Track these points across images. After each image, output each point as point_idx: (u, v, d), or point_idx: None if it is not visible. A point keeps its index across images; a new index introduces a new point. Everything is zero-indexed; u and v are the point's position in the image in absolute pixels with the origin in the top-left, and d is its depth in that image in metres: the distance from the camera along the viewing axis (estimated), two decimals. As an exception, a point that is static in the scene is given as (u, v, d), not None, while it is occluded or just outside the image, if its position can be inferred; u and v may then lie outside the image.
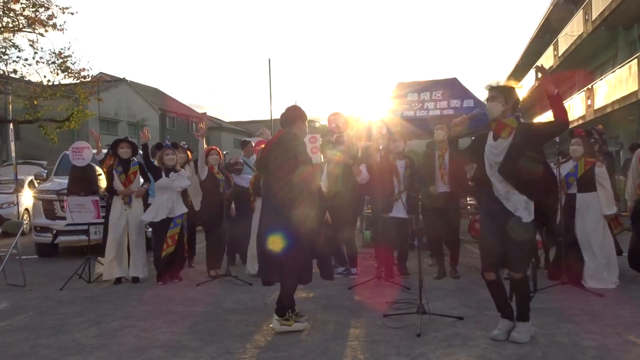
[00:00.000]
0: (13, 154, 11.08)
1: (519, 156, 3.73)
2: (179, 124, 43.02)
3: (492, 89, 3.88)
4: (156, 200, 6.37)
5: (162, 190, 6.33)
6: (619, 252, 6.09)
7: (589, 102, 17.52)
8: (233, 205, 7.13)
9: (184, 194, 6.61)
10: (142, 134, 6.59)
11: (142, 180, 6.67)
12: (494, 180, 3.84)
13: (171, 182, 6.32)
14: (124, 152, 6.52)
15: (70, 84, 17.54)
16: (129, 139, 6.88)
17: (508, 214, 3.78)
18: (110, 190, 6.54)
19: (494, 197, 3.85)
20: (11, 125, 11.43)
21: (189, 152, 7.18)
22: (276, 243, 4.15)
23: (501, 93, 3.84)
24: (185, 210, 6.47)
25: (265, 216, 4.34)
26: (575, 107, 19.15)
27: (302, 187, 4.23)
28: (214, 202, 6.58)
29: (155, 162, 6.48)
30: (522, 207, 3.76)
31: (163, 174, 6.33)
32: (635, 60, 14.42)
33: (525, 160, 3.71)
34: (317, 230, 4.32)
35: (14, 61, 16.31)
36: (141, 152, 6.98)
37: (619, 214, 6.22)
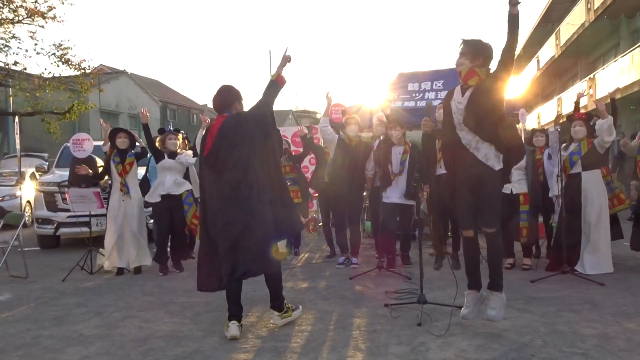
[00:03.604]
0: (18, 146, 11.09)
1: (480, 103, 3.74)
2: (179, 116, 42.96)
3: (463, 43, 3.83)
4: (158, 181, 6.44)
5: (164, 170, 6.42)
6: (621, 236, 6.11)
7: (591, 91, 17.44)
8: None
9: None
10: (141, 114, 6.50)
11: (136, 171, 6.68)
12: (463, 134, 3.84)
13: (174, 161, 6.42)
14: (121, 142, 6.54)
15: (71, 76, 17.55)
16: (128, 130, 6.89)
17: (480, 165, 3.79)
18: (101, 175, 6.68)
19: (466, 151, 3.84)
20: (16, 118, 11.44)
21: (186, 140, 7.21)
22: (263, 230, 3.87)
23: (469, 48, 3.78)
24: (190, 187, 6.58)
25: (231, 208, 3.85)
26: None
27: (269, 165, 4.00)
28: None
29: (157, 146, 6.53)
30: (492, 155, 3.79)
31: (165, 156, 6.42)
32: (638, 49, 14.34)
33: (487, 107, 3.73)
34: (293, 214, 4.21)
35: (14, 53, 16.34)
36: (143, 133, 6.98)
37: (622, 192, 6.24)
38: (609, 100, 6.33)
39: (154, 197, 6.41)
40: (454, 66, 3.92)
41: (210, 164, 3.98)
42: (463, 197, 3.93)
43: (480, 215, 3.87)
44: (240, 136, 3.92)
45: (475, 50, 3.78)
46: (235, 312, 3.96)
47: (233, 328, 3.88)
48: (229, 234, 3.86)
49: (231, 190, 3.88)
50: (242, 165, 3.90)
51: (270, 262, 3.95)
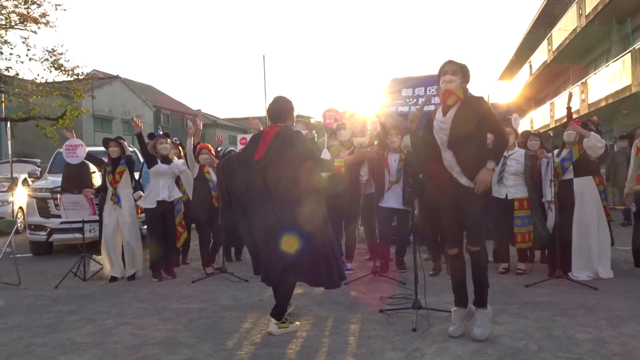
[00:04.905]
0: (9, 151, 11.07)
1: (462, 131, 3.76)
2: (173, 121, 42.91)
3: (453, 63, 3.90)
4: (151, 187, 6.41)
5: (157, 176, 6.41)
6: (612, 242, 6.13)
7: (583, 96, 17.54)
8: None
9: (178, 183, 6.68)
10: (134, 123, 6.48)
11: (130, 179, 6.65)
12: (446, 155, 3.85)
13: (167, 167, 6.43)
14: (111, 151, 6.56)
15: (64, 82, 17.48)
16: (120, 137, 6.88)
17: (462, 188, 3.81)
18: (103, 188, 6.63)
19: (448, 174, 3.85)
20: (8, 124, 11.41)
21: (180, 148, 7.18)
22: (288, 242, 4.00)
23: (461, 70, 3.89)
24: (180, 194, 6.61)
25: (268, 214, 4.08)
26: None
27: (311, 185, 4.18)
28: (205, 200, 6.58)
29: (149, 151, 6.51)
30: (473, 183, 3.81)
31: (158, 161, 6.41)
32: (629, 54, 14.43)
33: (468, 137, 3.75)
34: (326, 229, 4.25)
35: (6, 59, 16.25)
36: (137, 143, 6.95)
37: (607, 205, 6.27)
38: (602, 104, 6.37)
39: (148, 202, 6.39)
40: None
41: (261, 168, 4.14)
42: (446, 215, 3.95)
43: (466, 232, 3.88)
44: (287, 148, 4.12)
45: (464, 72, 3.90)
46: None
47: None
48: (269, 234, 4.04)
49: (273, 191, 4.06)
50: (286, 170, 4.08)
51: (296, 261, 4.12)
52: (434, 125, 3.93)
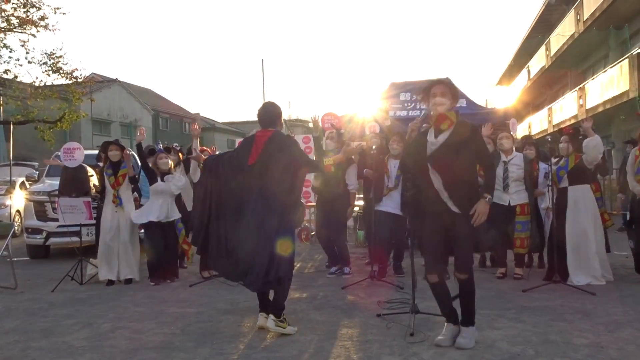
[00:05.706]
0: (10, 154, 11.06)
1: (452, 154, 3.71)
2: (172, 125, 42.90)
3: (441, 83, 3.87)
4: (150, 204, 6.37)
5: (157, 194, 6.34)
6: (608, 250, 6.13)
7: (581, 101, 17.58)
8: None
9: (177, 197, 6.61)
10: (138, 133, 6.50)
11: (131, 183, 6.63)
12: (434, 178, 3.77)
13: (166, 185, 6.33)
14: (112, 154, 6.51)
15: (62, 85, 17.49)
16: (119, 141, 6.86)
17: (452, 213, 3.73)
18: (102, 191, 6.58)
19: (437, 198, 3.76)
20: (10, 127, 11.41)
21: (180, 154, 7.16)
22: (282, 245, 4.04)
23: (449, 90, 3.85)
24: (179, 215, 6.50)
25: (261, 218, 4.07)
26: (567, 106, 19.24)
27: (300, 190, 4.28)
28: None
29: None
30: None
31: (158, 178, 6.35)
32: (627, 60, 14.49)
33: (459, 162, 3.70)
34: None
35: (5, 62, 16.26)
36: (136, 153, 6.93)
37: (606, 211, 6.28)
38: (600, 110, 6.40)
39: (142, 218, 6.36)
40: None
41: (255, 172, 4.20)
42: (430, 238, 3.85)
43: (454, 258, 3.81)
44: (282, 153, 4.21)
45: (453, 92, 3.86)
46: (263, 306, 4.29)
47: (260, 318, 4.24)
48: (259, 234, 4.05)
49: (269, 195, 4.12)
50: (281, 175, 4.15)
51: (290, 265, 4.29)
52: (427, 148, 3.82)
